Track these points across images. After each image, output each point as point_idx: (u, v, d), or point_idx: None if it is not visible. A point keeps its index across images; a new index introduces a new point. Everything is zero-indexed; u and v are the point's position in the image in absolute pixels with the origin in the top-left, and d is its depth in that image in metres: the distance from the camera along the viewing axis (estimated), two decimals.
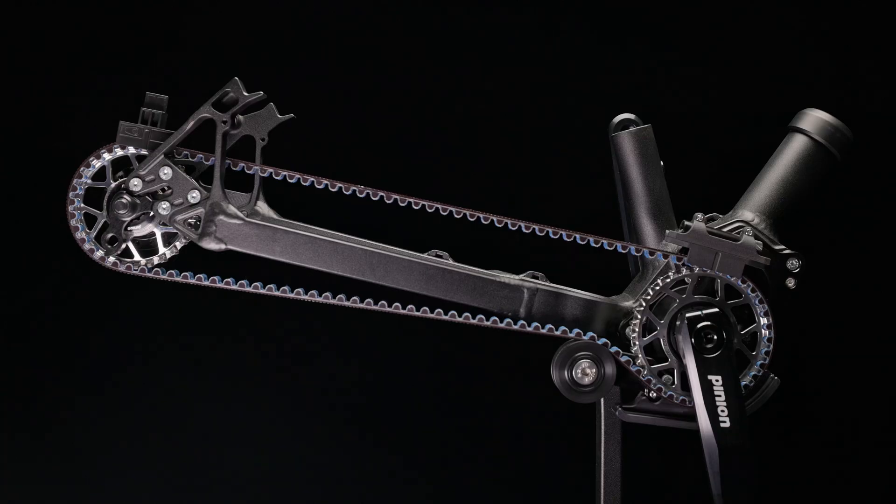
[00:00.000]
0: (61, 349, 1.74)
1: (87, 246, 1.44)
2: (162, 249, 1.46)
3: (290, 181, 1.45)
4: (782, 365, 1.52)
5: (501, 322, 1.47)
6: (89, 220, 1.45)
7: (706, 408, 1.43)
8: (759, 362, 1.48)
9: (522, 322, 1.47)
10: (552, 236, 1.47)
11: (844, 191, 1.72)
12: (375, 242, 1.47)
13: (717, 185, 1.68)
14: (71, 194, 1.44)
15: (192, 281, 1.45)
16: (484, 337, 1.74)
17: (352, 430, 1.77)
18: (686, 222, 1.47)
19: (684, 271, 1.47)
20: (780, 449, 1.78)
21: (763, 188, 1.53)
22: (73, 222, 1.44)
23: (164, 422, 1.75)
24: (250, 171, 1.45)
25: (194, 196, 1.45)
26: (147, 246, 1.47)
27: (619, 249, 1.48)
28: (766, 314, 1.47)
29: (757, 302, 1.47)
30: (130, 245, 1.45)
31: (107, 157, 1.44)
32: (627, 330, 1.47)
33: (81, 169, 1.44)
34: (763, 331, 1.48)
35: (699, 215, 1.48)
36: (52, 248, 1.69)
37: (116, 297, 1.73)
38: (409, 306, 1.45)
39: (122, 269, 1.45)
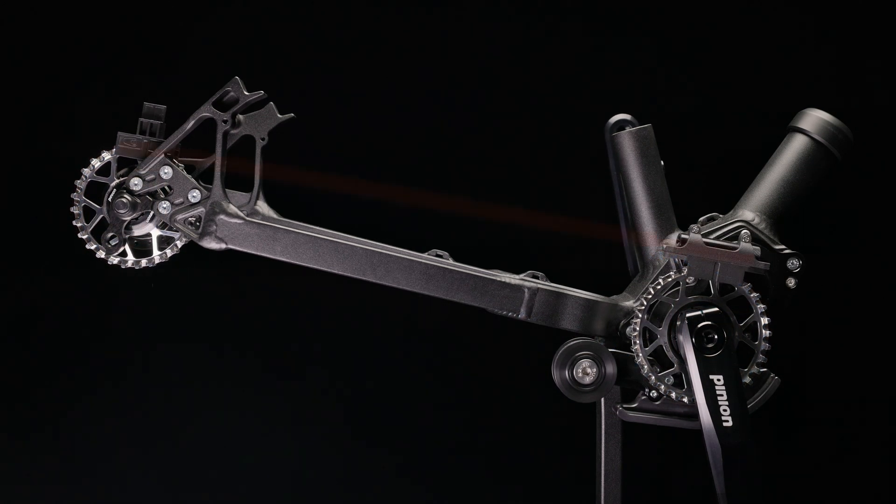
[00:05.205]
0: (61, 350, 1.74)
1: (89, 245, 1.45)
2: (156, 251, 1.47)
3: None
4: (782, 365, 1.52)
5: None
6: (88, 218, 1.45)
7: (708, 407, 1.43)
8: (760, 360, 1.48)
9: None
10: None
11: (844, 191, 1.72)
12: (376, 242, 1.47)
13: (717, 185, 1.68)
14: (73, 195, 1.44)
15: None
16: (484, 337, 1.74)
17: (351, 430, 1.77)
18: (682, 235, 1.47)
19: (685, 272, 1.47)
20: (781, 449, 1.78)
21: (763, 188, 1.53)
22: (75, 223, 1.45)
23: (162, 422, 1.75)
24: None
25: (195, 195, 1.45)
26: (143, 246, 1.48)
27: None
28: (764, 313, 1.47)
29: (756, 302, 1.47)
30: (126, 245, 1.46)
31: (107, 156, 1.45)
32: (628, 329, 1.47)
33: (82, 169, 1.44)
34: (763, 331, 1.47)
35: (694, 227, 1.49)
36: (52, 250, 1.69)
37: (116, 298, 1.73)
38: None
39: (129, 263, 1.46)
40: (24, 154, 1.72)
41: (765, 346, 1.47)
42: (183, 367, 1.75)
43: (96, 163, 1.45)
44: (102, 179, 1.45)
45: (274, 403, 1.76)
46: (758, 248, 1.46)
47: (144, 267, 1.47)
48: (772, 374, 1.49)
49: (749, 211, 1.52)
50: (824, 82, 1.75)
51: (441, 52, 1.74)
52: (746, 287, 1.46)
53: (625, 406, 1.50)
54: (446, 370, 1.77)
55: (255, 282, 1.73)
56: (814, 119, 1.53)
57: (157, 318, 1.74)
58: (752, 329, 1.47)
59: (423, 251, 1.48)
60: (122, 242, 1.46)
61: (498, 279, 1.48)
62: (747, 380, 1.47)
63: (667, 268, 1.49)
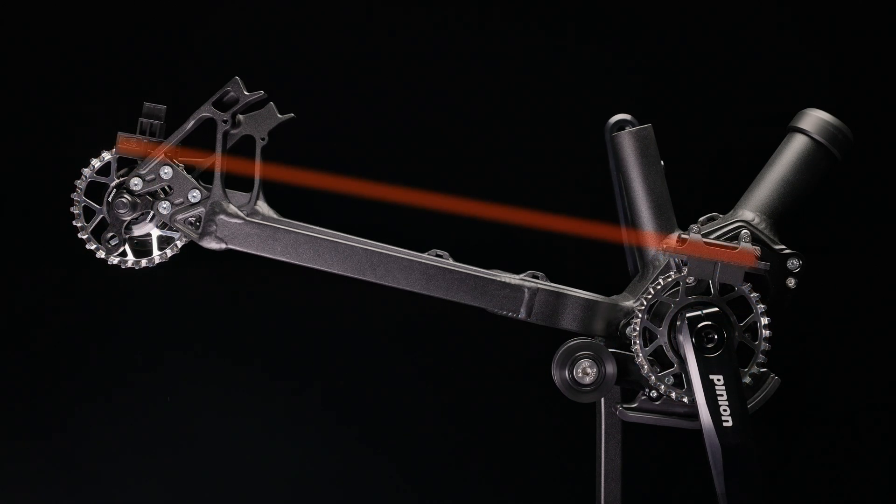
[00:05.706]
0: (61, 351, 1.74)
1: (89, 245, 1.45)
2: (156, 251, 1.47)
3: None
4: (782, 365, 1.52)
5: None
6: (88, 218, 1.45)
7: (708, 407, 1.43)
8: (760, 360, 1.48)
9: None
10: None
11: (844, 191, 1.72)
12: (376, 242, 1.47)
13: (717, 185, 1.69)
14: (73, 195, 1.44)
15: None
16: (484, 337, 1.74)
17: (351, 430, 1.77)
18: (682, 235, 1.47)
19: (685, 272, 1.47)
20: (781, 449, 1.78)
21: (763, 188, 1.53)
22: (75, 223, 1.45)
23: (161, 422, 1.75)
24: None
25: (195, 195, 1.45)
26: (143, 246, 1.48)
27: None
28: (764, 313, 1.47)
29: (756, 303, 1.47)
30: (126, 245, 1.46)
31: (107, 156, 1.45)
32: (628, 329, 1.47)
33: (82, 169, 1.45)
34: (763, 331, 1.47)
35: (694, 227, 1.49)
36: (52, 249, 1.69)
37: (116, 299, 1.73)
38: None
39: (129, 263, 1.46)
40: (24, 154, 1.72)
41: (765, 346, 1.47)
42: (182, 366, 1.75)
43: (96, 163, 1.45)
44: (102, 179, 1.45)
45: (273, 403, 1.76)
46: (758, 248, 1.46)
47: (144, 267, 1.48)
48: (772, 374, 1.49)
49: (749, 211, 1.52)
50: (824, 82, 1.75)
51: (441, 52, 1.74)
52: (746, 287, 1.46)
53: (625, 406, 1.50)
54: (446, 370, 1.77)
55: (255, 282, 1.73)
56: (814, 119, 1.53)
57: (156, 319, 1.74)
58: (752, 329, 1.47)
59: (423, 251, 1.48)
60: (122, 242, 1.46)
61: (498, 279, 1.48)
62: (747, 380, 1.47)
63: (667, 268, 1.49)
